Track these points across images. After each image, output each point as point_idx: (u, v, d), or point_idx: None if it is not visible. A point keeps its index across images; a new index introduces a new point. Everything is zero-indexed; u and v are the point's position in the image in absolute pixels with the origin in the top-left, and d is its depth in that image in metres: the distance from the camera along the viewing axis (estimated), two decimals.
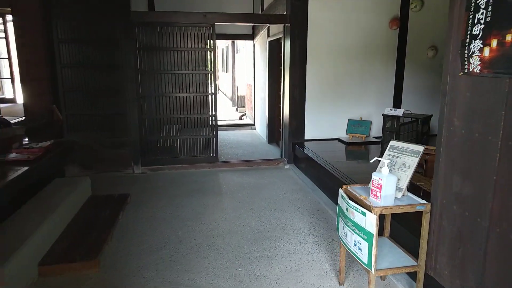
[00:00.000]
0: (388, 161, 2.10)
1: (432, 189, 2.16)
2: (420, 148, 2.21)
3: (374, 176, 2.10)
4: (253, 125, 8.69)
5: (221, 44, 16.25)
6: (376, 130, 5.51)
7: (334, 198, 3.96)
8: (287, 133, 5.37)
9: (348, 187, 2.36)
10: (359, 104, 5.47)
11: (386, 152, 2.39)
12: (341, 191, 2.35)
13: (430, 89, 5.63)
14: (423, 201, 2.14)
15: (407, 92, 5.58)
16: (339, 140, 5.39)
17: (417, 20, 5.34)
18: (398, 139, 3.84)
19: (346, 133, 5.43)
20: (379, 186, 2.06)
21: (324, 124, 5.41)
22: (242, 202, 3.96)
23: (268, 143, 6.99)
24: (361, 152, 4.96)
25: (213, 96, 5.12)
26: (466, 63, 1.85)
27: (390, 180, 2.06)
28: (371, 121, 5.38)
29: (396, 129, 4.26)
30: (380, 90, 5.50)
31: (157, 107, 5.03)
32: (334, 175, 3.81)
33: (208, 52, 5.01)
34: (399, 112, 4.20)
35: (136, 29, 4.78)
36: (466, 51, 1.84)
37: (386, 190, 2.06)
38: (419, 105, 5.54)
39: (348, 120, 5.44)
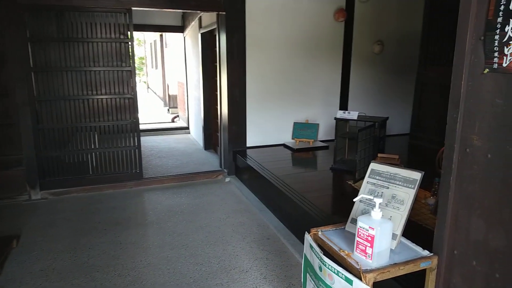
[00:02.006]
0: (381, 200, 1.43)
1: (435, 233, 1.55)
2: (417, 176, 1.58)
3: (362, 222, 1.42)
4: (187, 128, 7.77)
5: (149, 37, 14.95)
6: (324, 133, 4.97)
7: (285, 220, 3.29)
8: (226, 139, 4.60)
9: (319, 233, 1.66)
10: (305, 104, 4.87)
11: (366, 179, 1.73)
12: (308, 238, 1.65)
13: (378, 87, 5.23)
14: (427, 253, 1.51)
15: (353, 91, 5.10)
16: (284, 145, 4.74)
17: (363, 12, 4.87)
18: (357, 146, 3.28)
19: (292, 138, 4.81)
20: (369, 238, 1.39)
21: (268, 128, 4.72)
22: (172, 235, 3.12)
23: (204, 149, 6.16)
24: (309, 160, 4.35)
25: (133, 97, 4.16)
26: (495, 54, 1.24)
27: (385, 229, 1.40)
28: (318, 123, 4.81)
29: (350, 135, 3.71)
30: (327, 89, 4.95)
31: (60, 113, 3.94)
32: (284, 192, 3.13)
33: (125, 44, 4.05)
34: (353, 115, 3.65)
35: (25, 14, 3.66)
36: (496, 37, 1.23)
37: (381, 245, 1.39)
38: (367, 105, 5.11)
39: (294, 123, 4.82)
